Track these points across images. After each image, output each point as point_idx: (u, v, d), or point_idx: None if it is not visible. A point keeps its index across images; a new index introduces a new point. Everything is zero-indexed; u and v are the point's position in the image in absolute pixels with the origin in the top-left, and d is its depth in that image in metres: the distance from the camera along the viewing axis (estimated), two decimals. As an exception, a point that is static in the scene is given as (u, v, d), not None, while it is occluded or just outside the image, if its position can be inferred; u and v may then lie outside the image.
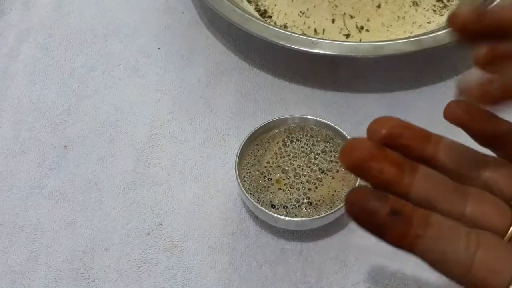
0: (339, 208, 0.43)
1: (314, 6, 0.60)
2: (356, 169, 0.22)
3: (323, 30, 0.59)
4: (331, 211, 0.43)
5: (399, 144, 0.23)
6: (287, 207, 0.44)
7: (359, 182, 0.44)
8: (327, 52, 0.51)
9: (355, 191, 0.22)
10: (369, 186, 0.23)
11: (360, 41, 0.57)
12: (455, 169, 0.24)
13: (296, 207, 0.44)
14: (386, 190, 0.22)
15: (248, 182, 0.46)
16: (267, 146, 0.48)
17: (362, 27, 0.59)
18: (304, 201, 0.45)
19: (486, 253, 0.22)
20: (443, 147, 0.24)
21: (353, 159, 0.22)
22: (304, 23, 0.59)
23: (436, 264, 0.22)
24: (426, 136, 0.24)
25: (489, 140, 0.25)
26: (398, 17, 0.59)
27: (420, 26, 0.59)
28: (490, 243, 0.22)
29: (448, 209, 0.23)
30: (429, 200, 0.23)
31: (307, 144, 0.48)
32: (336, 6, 0.60)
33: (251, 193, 0.45)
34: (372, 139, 0.23)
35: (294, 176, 0.46)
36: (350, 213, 0.22)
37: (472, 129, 0.25)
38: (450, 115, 0.25)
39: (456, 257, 0.22)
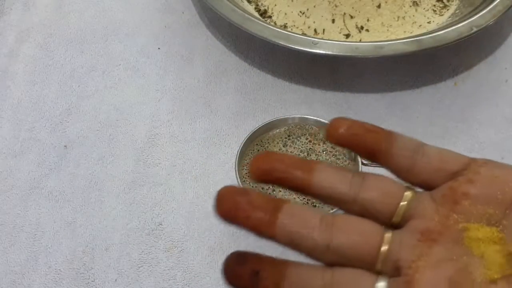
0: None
1: (314, 6, 0.60)
2: (227, 218, 0.24)
3: (323, 30, 0.59)
4: (332, 211, 0.43)
5: (274, 178, 0.24)
6: (287, 207, 0.44)
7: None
8: (327, 52, 0.51)
9: (228, 258, 0.24)
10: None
11: (360, 41, 0.57)
12: (330, 195, 0.24)
13: (296, 207, 0.44)
14: (256, 233, 0.24)
15: (248, 182, 0.46)
16: (267, 146, 0.48)
17: (362, 27, 0.59)
18: (305, 201, 0.45)
19: None
20: (317, 174, 0.24)
21: (223, 210, 0.24)
22: (304, 23, 0.59)
23: None
24: (299, 165, 0.25)
25: (374, 156, 0.25)
26: (398, 17, 0.59)
27: (420, 26, 0.59)
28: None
29: (313, 245, 0.23)
30: (293, 240, 0.24)
31: (307, 144, 0.48)
32: (336, 6, 0.60)
33: (251, 193, 0.45)
34: (253, 177, 0.25)
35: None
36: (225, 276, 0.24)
37: (357, 148, 0.25)
38: (335, 136, 0.25)
39: None
